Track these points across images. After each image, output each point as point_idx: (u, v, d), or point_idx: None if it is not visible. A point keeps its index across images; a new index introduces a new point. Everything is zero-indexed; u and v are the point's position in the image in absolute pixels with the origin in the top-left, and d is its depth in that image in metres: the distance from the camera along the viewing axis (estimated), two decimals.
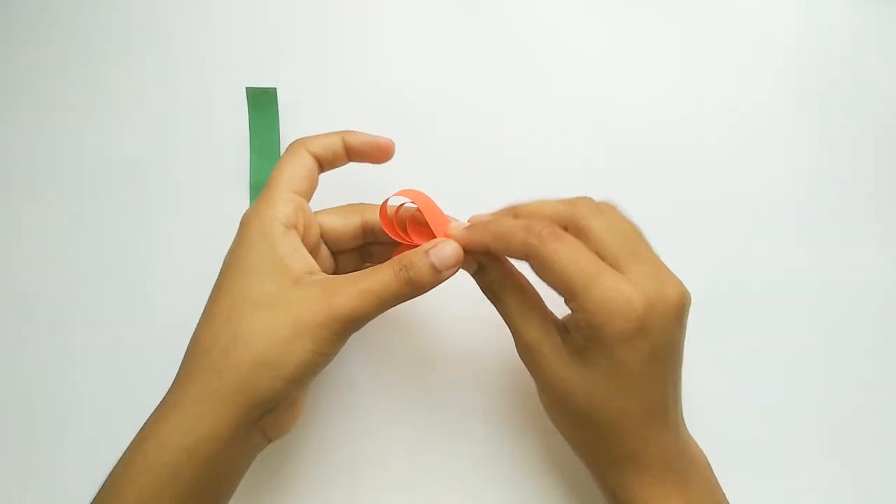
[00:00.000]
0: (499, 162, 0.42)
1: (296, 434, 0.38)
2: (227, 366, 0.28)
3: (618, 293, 0.27)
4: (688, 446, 0.31)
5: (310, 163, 0.32)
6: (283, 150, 0.42)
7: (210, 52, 0.44)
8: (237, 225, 0.31)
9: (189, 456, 0.27)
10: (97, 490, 0.28)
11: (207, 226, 0.41)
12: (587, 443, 0.31)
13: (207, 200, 0.42)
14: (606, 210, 0.30)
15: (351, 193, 0.37)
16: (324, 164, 0.33)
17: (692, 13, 0.45)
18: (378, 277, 0.29)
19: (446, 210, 0.33)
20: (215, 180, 0.42)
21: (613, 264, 0.28)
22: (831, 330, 0.41)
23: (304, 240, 0.31)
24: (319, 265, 0.32)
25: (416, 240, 0.32)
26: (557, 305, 0.31)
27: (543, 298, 0.32)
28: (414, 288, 0.29)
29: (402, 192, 0.32)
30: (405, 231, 0.32)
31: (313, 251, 0.33)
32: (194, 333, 0.30)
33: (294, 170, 0.32)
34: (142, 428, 0.28)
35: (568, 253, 0.28)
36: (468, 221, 0.32)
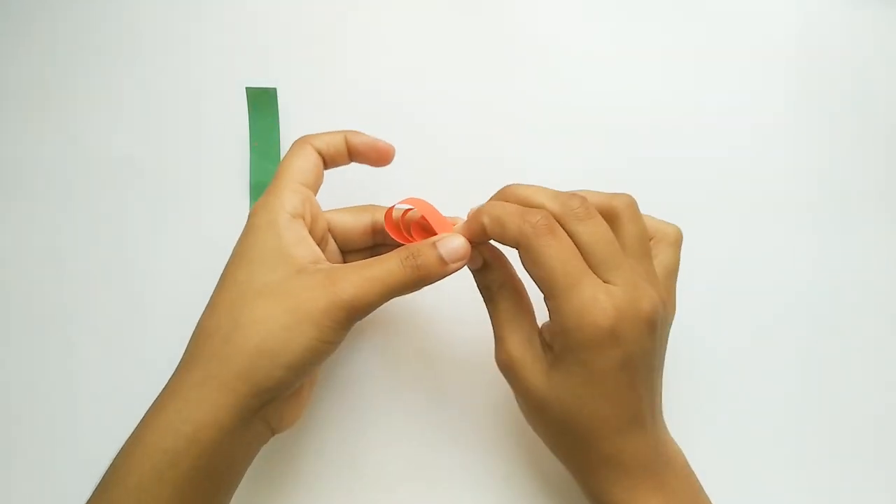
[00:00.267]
0: (499, 162, 0.42)
1: (297, 432, 0.38)
2: (228, 353, 0.28)
3: (592, 301, 0.28)
4: (665, 447, 0.31)
5: (315, 157, 0.33)
6: (283, 150, 0.42)
7: (210, 52, 0.44)
8: (237, 225, 0.32)
9: (188, 443, 0.27)
10: (98, 480, 0.28)
11: (207, 226, 0.41)
12: (566, 449, 0.32)
13: (207, 200, 0.42)
14: (593, 216, 0.30)
15: (356, 197, 0.37)
16: (327, 161, 0.33)
17: (691, 14, 0.45)
18: (383, 265, 0.29)
19: (447, 212, 0.33)
20: (215, 180, 0.42)
21: (596, 271, 0.29)
22: (831, 330, 0.41)
23: (311, 231, 0.32)
24: (329, 261, 0.32)
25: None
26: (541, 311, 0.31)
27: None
28: (420, 276, 0.29)
29: (406, 201, 0.32)
30: (410, 235, 0.33)
31: (320, 244, 0.33)
32: (198, 323, 0.30)
33: (301, 163, 0.32)
34: (144, 415, 0.28)
35: (557, 251, 0.28)
36: (467, 217, 0.32)
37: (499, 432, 0.39)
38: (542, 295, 0.30)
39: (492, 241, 0.31)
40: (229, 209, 0.41)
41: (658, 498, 0.30)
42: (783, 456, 0.39)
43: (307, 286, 0.28)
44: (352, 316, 0.29)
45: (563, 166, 0.42)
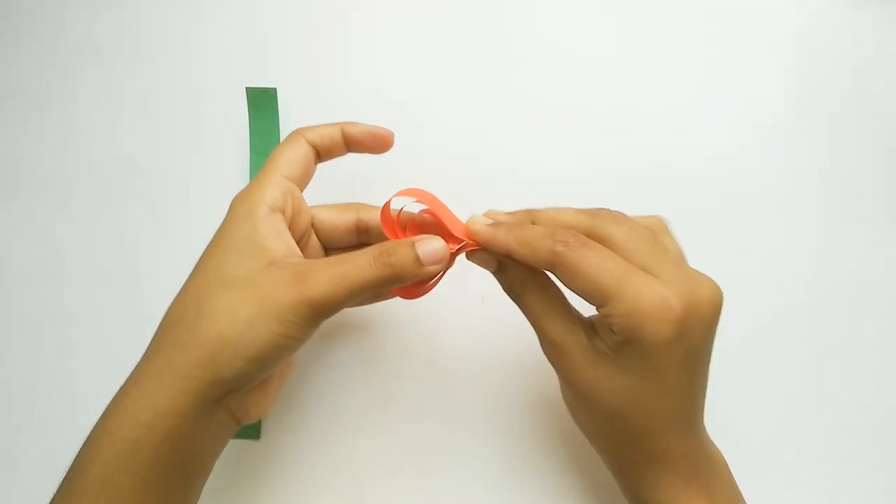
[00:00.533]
0: (500, 163, 0.42)
1: (294, 434, 0.38)
2: (189, 341, 0.27)
3: (654, 294, 0.27)
4: (710, 449, 0.31)
5: (305, 150, 0.32)
6: None
7: (210, 52, 0.44)
8: None
9: (148, 431, 0.27)
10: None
11: (207, 226, 0.41)
12: (612, 443, 0.31)
13: (207, 200, 0.42)
14: (627, 219, 0.30)
15: (352, 193, 0.37)
16: (322, 153, 0.33)
17: (692, 14, 0.45)
18: (354, 262, 0.28)
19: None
20: (215, 180, 0.42)
21: (642, 269, 0.28)
22: (832, 330, 0.41)
23: (291, 226, 0.31)
24: (308, 257, 0.32)
25: None
26: (584, 304, 0.30)
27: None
28: (392, 275, 0.28)
29: (407, 191, 0.31)
30: (404, 234, 0.32)
31: (301, 239, 0.32)
32: (166, 311, 0.29)
33: (290, 155, 0.32)
34: (107, 405, 0.28)
35: (596, 258, 0.27)
36: (484, 216, 0.32)
37: (501, 433, 0.38)
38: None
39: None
40: None
41: (704, 501, 0.29)
42: (784, 456, 0.39)
43: (275, 280, 0.28)
44: (318, 314, 0.28)
45: (563, 166, 0.42)
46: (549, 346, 0.30)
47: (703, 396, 0.30)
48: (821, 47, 0.44)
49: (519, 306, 0.31)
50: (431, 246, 0.29)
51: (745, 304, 0.40)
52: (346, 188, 0.38)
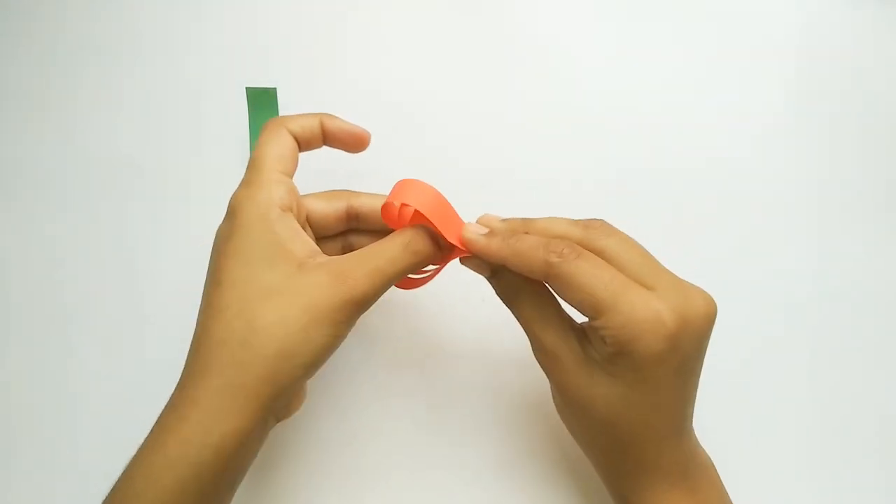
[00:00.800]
0: (500, 163, 0.42)
1: (294, 433, 0.38)
2: (248, 358, 0.27)
3: (647, 308, 0.27)
4: (698, 453, 0.31)
5: (291, 142, 0.32)
6: None
7: (210, 52, 0.44)
8: None
9: (212, 452, 0.26)
10: (109, 491, 0.28)
11: (207, 226, 0.41)
12: (601, 449, 0.31)
13: (207, 201, 0.42)
14: (619, 231, 0.30)
15: (348, 185, 0.36)
16: (301, 144, 0.33)
17: (692, 14, 0.45)
18: (387, 255, 0.30)
19: None
20: (215, 180, 0.42)
21: (636, 281, 0.28)
22: (833, 331, 0.41)
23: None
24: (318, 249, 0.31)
25: None
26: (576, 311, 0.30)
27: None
28: (419, 261, 0.30)
29: (407, 183, 0.31)
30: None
31: None
32: (202, 326, 0.29)
33: (278, 149, 0.31)
34: (156, 426, 0.28)
35: (590, 269, 0.27)
36: (478, 222, 0.32)
37: (501, 432, 0.38)
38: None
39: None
40: None
41: (689, 503, 0.29)
42: (785, 458, 0.39)
43: (315, 284, 0.28)
44: (362, 309, 0.29)
45: (563, 166, 0.42)
46: (542, 353, 0.30)
47: (693, 403, 0.30)
48: (821, 47, 0.44)
49: (512, 312, 0.32)
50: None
51: (745, 305, 0.40)
52: (344, 186, 0.38)
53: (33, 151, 0.43)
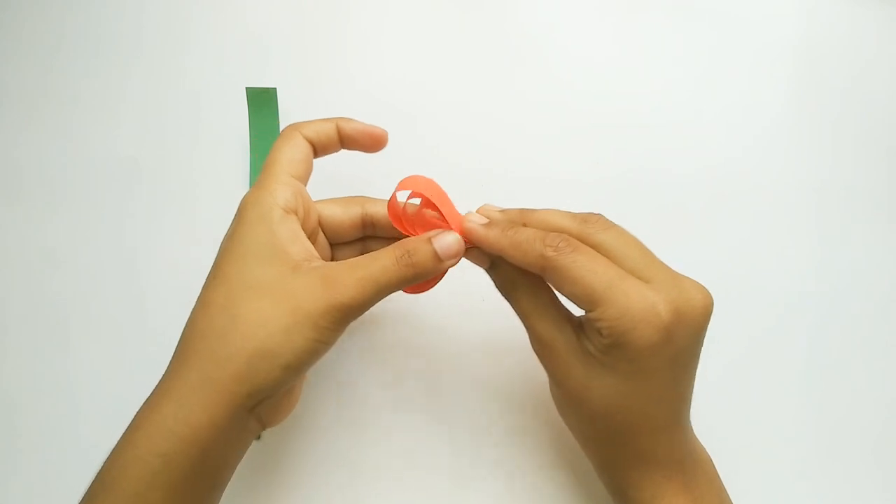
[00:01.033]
0: (500, 163, 0.42)
1: (294, 434, 0.38)
2: (225, 354, 0.27)
3: (642, 299, 0.27)
4: (694, 446, 0.31)
5: (306, 147, 0.32)
6: None
7: (210, 51, 0.44)
8: None
9: (183, 444, 0.26)
10: (88, 484, 0.28)
11: (207, 226, 0.41)
12: (598, 441, 0.31)
13: (207, 200, 0.42)
14: (617, 226, 0.30)
15: (351, 192, 0.37)
16: (318, 149, 0.33)
17: (692, 15, 0.45)
18: (378, 264, 0.29)
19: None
20: (215, 180, 0.42)
21: (633, 274, 0.28)
22: (833, 332, 0.41)
23: (303, 226, 0.31)
24: (317, 253, 0.31)
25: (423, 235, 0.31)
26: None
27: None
28: (415, 273, 0.29)
29: (410, 179, 0.31)
30: (412, 226, 0.32)
31: (311, 238, 0.32)
32: (190, 319, 0.29)
33: (291, 153, 0.31)
34: (134, 417, 0.28)
35: (586, 262, 0.28)
36: (478, 212, 0.32)
37: (500, 432, 0.38)
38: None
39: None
40: (229, 209, 0.41)
41: (685, 496, 0.29)
42: (783, 455, 0.39)
43: (305, 286, 0.28)
44: (349, 317, 0.28)
45: (563, 167, 0.42)
46: (539, 345, 0.31)
47: (690, 397, 0.30)
48: (821, 47, 0.45)
49: (510, 304, 0.32)
50: (447, 241, 0.30)
51: (745, 304, 0.40)
52: (345, 187, 0.38)
53: (33, 151, 0.43)
